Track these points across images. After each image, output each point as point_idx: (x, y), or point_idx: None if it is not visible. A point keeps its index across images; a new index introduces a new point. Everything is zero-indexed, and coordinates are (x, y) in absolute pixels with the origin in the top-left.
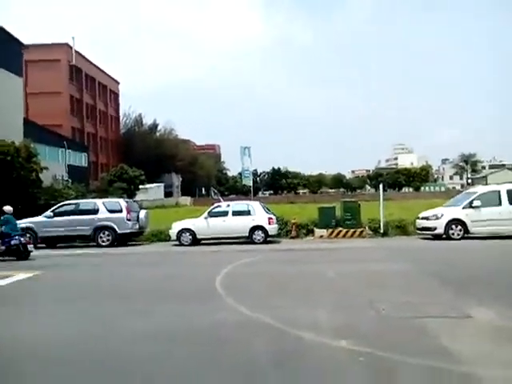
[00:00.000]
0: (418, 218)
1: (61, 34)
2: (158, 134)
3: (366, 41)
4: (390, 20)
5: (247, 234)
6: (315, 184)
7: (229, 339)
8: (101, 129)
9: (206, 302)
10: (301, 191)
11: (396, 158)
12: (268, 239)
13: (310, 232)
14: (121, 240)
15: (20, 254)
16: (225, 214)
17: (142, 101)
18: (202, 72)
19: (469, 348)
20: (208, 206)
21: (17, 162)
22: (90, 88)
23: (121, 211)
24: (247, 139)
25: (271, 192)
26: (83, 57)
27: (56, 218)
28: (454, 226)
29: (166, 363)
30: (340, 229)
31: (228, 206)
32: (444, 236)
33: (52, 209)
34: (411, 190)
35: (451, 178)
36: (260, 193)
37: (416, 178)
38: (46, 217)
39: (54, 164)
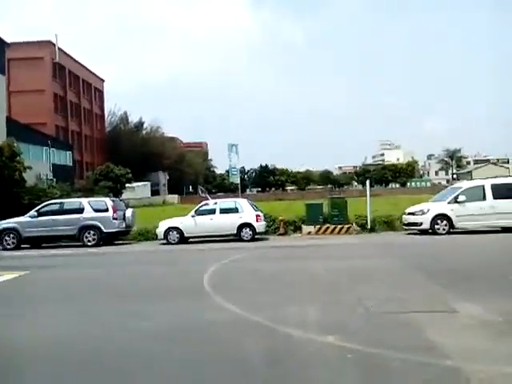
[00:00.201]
0: (405, 213)
1: (44, 32)
2: (144, 131)
3: (353, 37)
4: (376, 17)
5: (235, 232)
6: (303, 181)
7: (218, 338)
8: (85, 127)
9: (194, 300)
10: (288, 188)
11: (382, 154)
12: (256, 236)
13: (298, 229)
14: (107, 239)
15: None
16: (212, 211)
17: (127, 98)
18: (188, 69)
19: (455, 342)
20: (196, 204)
21: (0, 161)
22: (74, 86)
23: (107, 210)
24: (235, 136)
25: (259, 189)
26: (67, 54)
27: (40, 218)
28: (439, 221)
29: (152, 362)
30: (327, 225)
31: (215, 203)
32: (430, 231)
33: (36, 208)
34: (398, 185)
35: (437, 173)
36: (248, 190)
37: (402, 174)
38: (30, 217)
39: (38, 163)
